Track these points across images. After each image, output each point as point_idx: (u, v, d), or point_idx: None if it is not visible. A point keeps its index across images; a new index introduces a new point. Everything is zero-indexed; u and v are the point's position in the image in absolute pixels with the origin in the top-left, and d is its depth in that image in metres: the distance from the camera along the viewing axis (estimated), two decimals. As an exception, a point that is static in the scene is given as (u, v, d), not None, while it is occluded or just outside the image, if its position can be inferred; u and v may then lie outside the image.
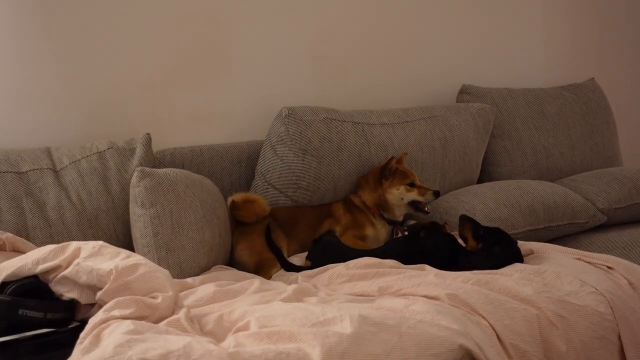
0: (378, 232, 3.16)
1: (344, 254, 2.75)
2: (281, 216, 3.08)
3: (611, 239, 3.23)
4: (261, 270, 2.83)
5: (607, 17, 4.66)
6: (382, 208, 3.17)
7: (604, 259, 2.68)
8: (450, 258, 2.70)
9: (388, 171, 3.14)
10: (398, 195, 3.14)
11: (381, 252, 2.75)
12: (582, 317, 2.29)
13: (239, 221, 3.01)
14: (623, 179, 3.54)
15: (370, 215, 3.17)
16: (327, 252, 2.86)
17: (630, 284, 2.52)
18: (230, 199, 3.02)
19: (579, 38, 4.55)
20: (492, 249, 2.71)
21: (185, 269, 2.65)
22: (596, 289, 2.42)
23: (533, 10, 4.36)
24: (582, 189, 3.51)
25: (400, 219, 3.21)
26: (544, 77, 4.36)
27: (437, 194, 3.15)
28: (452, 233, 2.93)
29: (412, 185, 3.15)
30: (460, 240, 2.84)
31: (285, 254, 2.94)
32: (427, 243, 2.82)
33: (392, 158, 3.14)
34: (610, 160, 4.15)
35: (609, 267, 2.61)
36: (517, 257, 2.71)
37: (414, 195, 3.14)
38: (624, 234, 3.26)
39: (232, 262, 2.95)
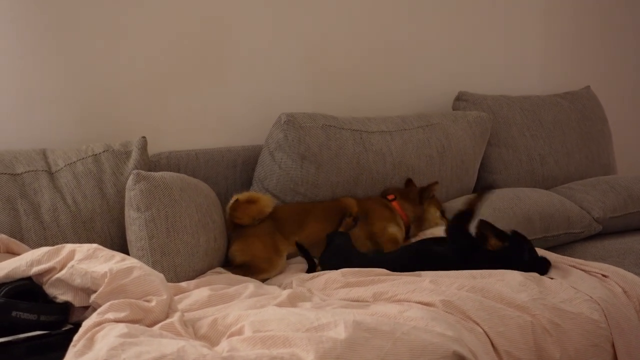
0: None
1: (354, 260, 2.75)
2: (283, 215, 3.05)
3: (605, 247, 3.22)
4: (249, 273, 2.80)
5: (604, 26, 4.66)
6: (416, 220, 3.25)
7: (598, 266, 2.69)
8: (465, 259, 2.70)
9: (427, 193, 3.26)
10: (435, 215, 3.29)
11: (392, 260, 2.76)
12: (576, 324, 2.29)
13: (237, 224, 2.98)
14: (618, 187, 3.54)
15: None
16: (338, 256, 2.84)
17: (625, 292, 2.52)
18: (234, 197, 2.97)
19: (576, 46, 4.55)
20: (523, 246, 2.74)
21: (179, 272, 2.65)
22: (590, 296, 2.42)
23: (530, 18, 4.36)
24: (578, 197, 3.50)
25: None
26: (540, 85, 4.36)
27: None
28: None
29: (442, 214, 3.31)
30: None
31: (285, 255, 2.94)
32: (441, 249, 2.81)
33: (436, 183, 3.28)
34: (605, 168, 4.15)
35: (603, 275, 2.61)
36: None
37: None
38: (618, 242, 3.26)
39: (226, 263, 2.94)
